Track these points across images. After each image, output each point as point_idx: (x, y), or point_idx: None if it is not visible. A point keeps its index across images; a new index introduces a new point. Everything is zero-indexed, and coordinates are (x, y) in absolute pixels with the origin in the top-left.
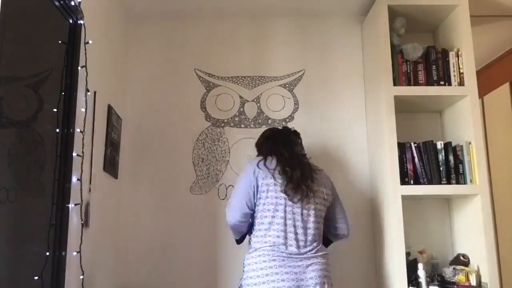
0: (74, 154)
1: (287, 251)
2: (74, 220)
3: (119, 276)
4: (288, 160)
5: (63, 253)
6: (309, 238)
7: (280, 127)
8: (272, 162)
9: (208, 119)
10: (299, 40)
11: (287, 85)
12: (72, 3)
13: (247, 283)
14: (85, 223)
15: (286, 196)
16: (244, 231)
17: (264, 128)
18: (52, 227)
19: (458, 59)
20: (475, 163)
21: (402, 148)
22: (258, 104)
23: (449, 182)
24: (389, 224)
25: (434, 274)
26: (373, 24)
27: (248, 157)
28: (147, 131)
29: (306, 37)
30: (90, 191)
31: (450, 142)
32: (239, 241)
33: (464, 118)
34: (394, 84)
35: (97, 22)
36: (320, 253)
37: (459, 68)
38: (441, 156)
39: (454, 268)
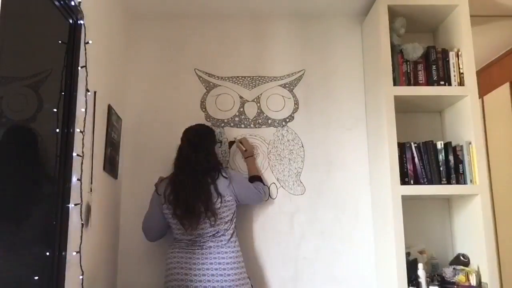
0: (74, 154)
1: None
2: (74, 220)
3: (119, 276)
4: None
5: (63, 253)
6: None
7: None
8: None
9: (208, 119)
10: (299, 40)
11: (287, 85)
12: (72, 3)
13: None
14: (86, 223)
15: None
16: None
17: (264, 128)
18: (52, 227)
19: (458, 59)
20: (475, 163)
21: (402, 148)
22: (258, 104)
23: (449, 182)
24: (389, 224)
25: (434, 274)
26: (373, 24)
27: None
28: (147, 131)
29: (306, 37)
30: (90, 191)
31: (450, 142)
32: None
33: (464, 118)
34: (394, 84)
35: (97, 22)
36: None
37: (459, 68)
38: (441, 156)
39: (454, 268)
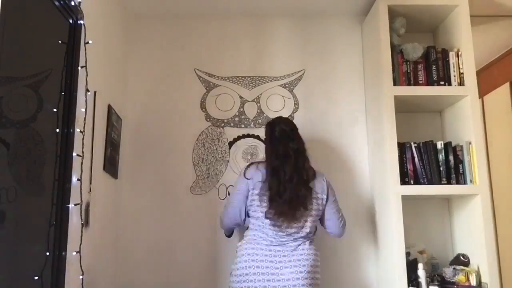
0: (74, 154)
1: None
2: (74, 220)
3: (119, 276)
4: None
5: (63, 253)
6: None
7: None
8: None
9: (208, 119)
10: (299, 40)
11: (287, 85)
12: (72, 3)
13: None
14: (85, 223)
15: None
16: None
17: (264, 128)
18: (52, 227)
19: (458, 59)
20: (475, 163)
21: (402, 148)
22: (258, 104)
23: (449, 182)
24: (389, 224)
25: (434, 274)
26: (373, 24)
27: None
28: (147, 131)
29: (306, 37)
30: (90, 191)
31: (450, 142)
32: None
33: (464, 118)
34: (394, 84)
35: (97, 22)
36: None
37: (459, 68)
38: (441, 156)
39: (454, 268)
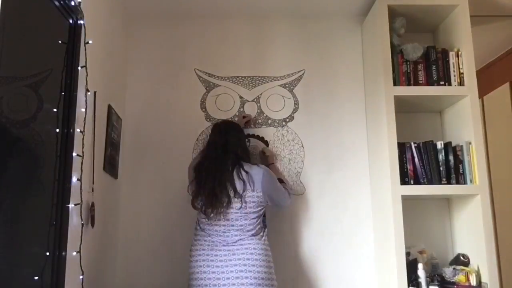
0: (74, 154)
1: None
2: (74, 220)
3: (119, 275)
4: None
5: (63, 253)
6: None
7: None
8: None
9: (208, 119)
10: (299, 40)
11: (287, 85)
12: (72, 3)
13: None
14: (86, 223)
15: None
16: None
17: (264, 128)
18: (52, 227)
19: (458, 59)
20: (475, 163)
21: (402, 148)
22: (258, 104)
23: (449, 182)
24: (389, 224)
25: (434, 274)
26: (373, 24)
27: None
28: (147, 131)
29: (306, 37)
30: (92, 191)
31: (450, 142)
32: None
33: (464, 118)
34: (394, 84)
35: (97, 22)
36: None
37: (459, 68)
38: (441, 156)
39: (454, 268)
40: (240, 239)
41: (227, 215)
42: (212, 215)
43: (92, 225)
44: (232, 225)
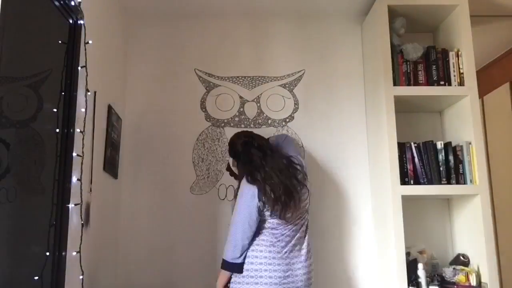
0: (74, 154)
1: None
2: (74, 220)
3: (119, 276)
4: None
5: (63, 253)
6: None
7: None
8: None
9: (208, 119)
10: (299, 40)
11: (287, 85)
12: (72, 3)
13: None
14: (86, 223)
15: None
16: None
17: (264, 128)
18: (52, 227)
19: (458, 59)
20: (475, 163)
21: (402, 148)
22: (258, 104)
23: (449, 182)
24: (389, 224)
25: (434, 274)
26: (373, 24)
27: None
28: (147, 131)
29: (306, 37)
30: (91, 191)
31: (450, 142)
32: None
33: (464, 118)
34: (394, 84)
35: (97, 22)
36: None
37: (459, 68)
38: (441, 156)
39: (454, 268)
40: None
41: None
42: None
43: (87, 224)
44: None
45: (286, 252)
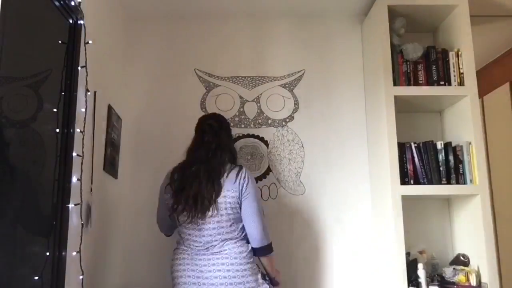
0: (74, 154)
1: None
2: (74, 220)
3: (119, 276)
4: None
5: (63, 253)
6: None
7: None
8: None
9: None
10: (299, 40)
11: (287, 85)
12: (72, 3)
13: None
14: (86, 223)
15: None
16: None
17: (264, 128)
18: (52, 227)
19: (458, 59)
20: (475, 163)
21: (402, 148)
22: (258, 104)
23: (449, 182)
24: (389, 224)
25: (434, 274)
26: (373, 24)
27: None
28: (147, 131)
29: (306, 37)
30: (91, 191)
31: (450, 142)
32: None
33: (464, 118)
34: (394, 84)
35: (97, 22)
36: None
37: (459, 68)
38: (441, 156)
39: (454, 268)
40: None
41: None
42: None
43: (87, 224)
44: None
45: None
